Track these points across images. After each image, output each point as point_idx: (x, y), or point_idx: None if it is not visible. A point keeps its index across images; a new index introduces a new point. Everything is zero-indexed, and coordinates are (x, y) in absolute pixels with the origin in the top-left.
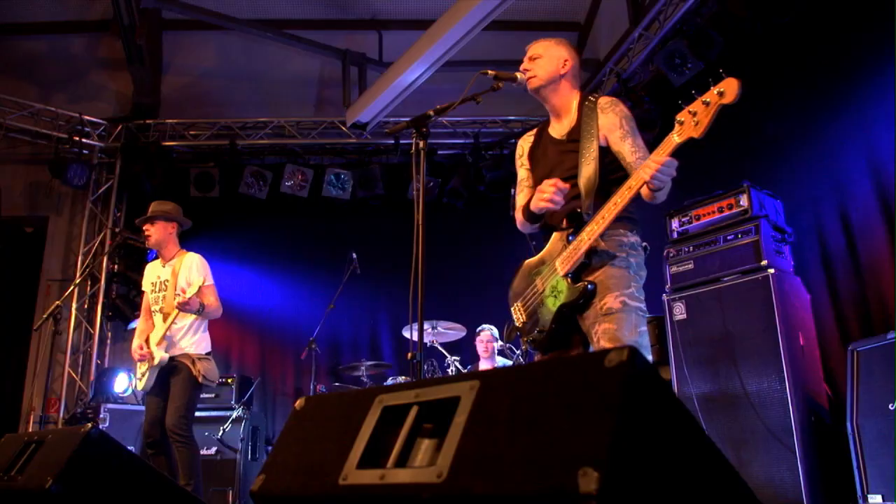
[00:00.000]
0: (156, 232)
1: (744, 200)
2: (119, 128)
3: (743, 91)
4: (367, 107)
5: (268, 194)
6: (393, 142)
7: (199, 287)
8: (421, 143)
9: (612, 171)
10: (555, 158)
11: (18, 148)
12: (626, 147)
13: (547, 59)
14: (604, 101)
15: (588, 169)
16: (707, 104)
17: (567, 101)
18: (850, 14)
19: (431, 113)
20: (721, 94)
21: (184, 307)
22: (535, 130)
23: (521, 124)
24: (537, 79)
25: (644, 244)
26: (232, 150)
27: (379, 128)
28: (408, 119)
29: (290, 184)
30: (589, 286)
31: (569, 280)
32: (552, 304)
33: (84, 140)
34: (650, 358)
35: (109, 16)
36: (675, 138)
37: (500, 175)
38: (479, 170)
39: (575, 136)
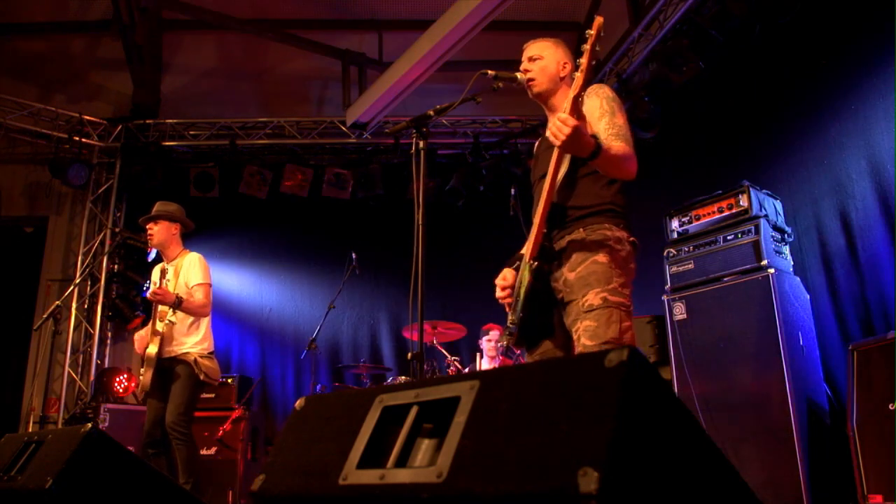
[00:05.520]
0: (158, 232)
1: (744, 200)
2: (119, 128)
3: (603, 24)
4: (367, 107)
5: (268, 194)
6: (393, 142)
7: (191, 284)
8: (421, 143)
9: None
10: (544, 156)
11: (18, 148)
12: (602, 125)
13: (547, 62)
14: (590, 88)
15: (565, 159)
16: (585, 50)
17: (561, 102)
18: (850, 14)
19: (431, 113)
20: (590, 35)
21: (155, 296)
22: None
23: (521, 124)
24: (538, 83)
25: (632, 239)
26: (232, 149)
27: (379, 128)
28: (408, 119)
29: (290, 184)
30: (535, 264)
31: (530, 263)
32: (521, 294)
33: (84, 140)
34: None
35: (109, 16)
36: (570, 93)
37: (500, 175)
38: (479, 170)
39: None
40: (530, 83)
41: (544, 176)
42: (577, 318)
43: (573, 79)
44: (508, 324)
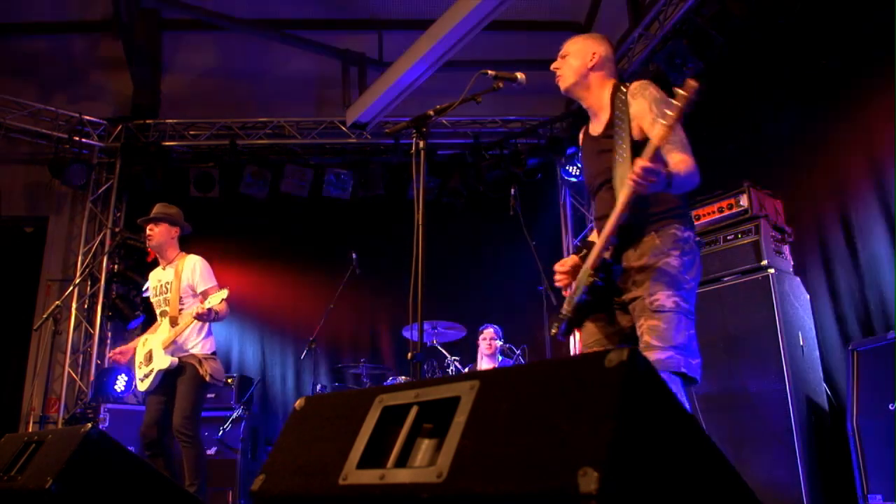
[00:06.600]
0: (158, 234)
1: (744, 200)
2: (119, 128)
3: (696, 89)
4: (367, 107)
5: (268, 194)
6: (393, 142)
7: (200, 290)
8: (421, 143)
9: None
10: (592, 159)
11: (18, 148)
12: (656, 132)
13: (573, 56)
14: (634, 86)
15: (622, 169)
16: (675, 107)
17: (600, 96)
18: (850, 14)
19: (431, 113)
20: (681, 95)
21: (203, 318)
22: (585, 126)
23: (521, 124)
24: (563, 79)
25: (698, 239)
26: (232, 149)
27: (379, 128)
28: (408, 119)
29: (290, 183)
30: (598, 281)
31: (590, 277)
32: (574, 298)
33: (84, 140)
34: (699, 361)
35: (109, 16)
36: (653, 142)
37: (500, 175)
38: (479, 170)
39: (609, 133)
40: (557, 78)
41: (604, 184)
42: (643, 315)
43: (606, 69)
44: (561, 312)
